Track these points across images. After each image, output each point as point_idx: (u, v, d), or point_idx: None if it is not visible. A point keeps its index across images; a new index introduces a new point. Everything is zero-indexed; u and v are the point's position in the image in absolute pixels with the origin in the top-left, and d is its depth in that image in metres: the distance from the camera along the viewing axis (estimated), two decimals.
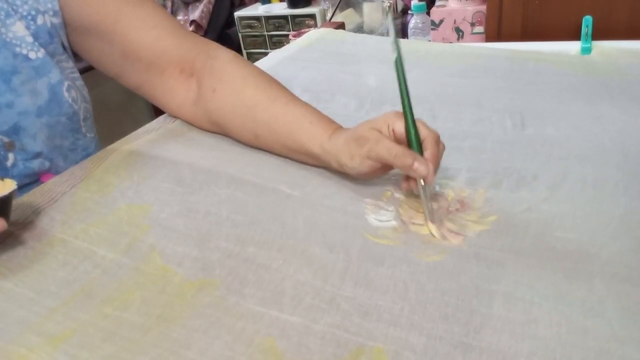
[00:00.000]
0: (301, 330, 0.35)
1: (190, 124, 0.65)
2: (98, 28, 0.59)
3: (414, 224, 0.45)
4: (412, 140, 0.45)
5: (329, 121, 0.53)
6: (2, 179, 0.44)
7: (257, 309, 0.37)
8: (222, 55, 0.61)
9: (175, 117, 0.67)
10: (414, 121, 0.46)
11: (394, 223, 0.45)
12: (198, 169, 0.55)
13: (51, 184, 0.54)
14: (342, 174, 0.51)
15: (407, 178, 0.47)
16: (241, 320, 0.36)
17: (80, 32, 0.61)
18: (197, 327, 0.36)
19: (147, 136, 0.63)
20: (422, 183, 0.45)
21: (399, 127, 0.46)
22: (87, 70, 0.85)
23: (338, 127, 0.52)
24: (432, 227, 0.44)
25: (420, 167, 0.43)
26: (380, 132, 0.46)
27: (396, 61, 0.47)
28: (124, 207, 0.49)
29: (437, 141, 0.46)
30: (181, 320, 0.37)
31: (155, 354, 0.34)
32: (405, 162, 0.44)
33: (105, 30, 0.59)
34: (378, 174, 0.49)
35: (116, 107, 2.04)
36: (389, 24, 0.51)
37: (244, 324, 0.36)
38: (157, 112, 0.68)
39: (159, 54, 0.61)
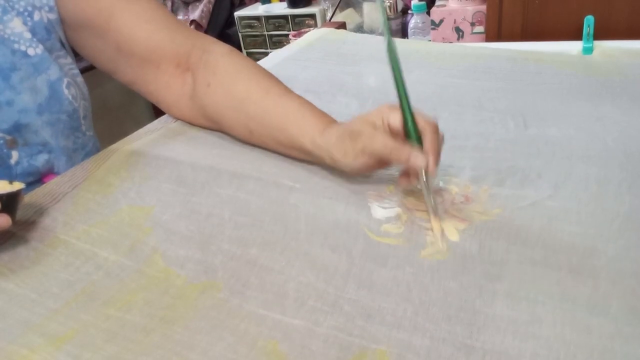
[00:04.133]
0: (304, 333, 0.35)
1: (186, 121, 0.65)
2: (92, 23, 0.59)
3: (418, 210, 0.45)
4: (411, 131, 0.43)
5: (323, 115, 0.51)
6: (11, 182, 0.44)
7: (259, 311, 0.37)
8: (218, 49, 0.60)
9: (170, 113, 0.66)
10: (412, 112, 0.44)
11: (398, 210, 0.45)
12: (200, 168, 0.55)
13: (53, 184, 0.54)
14: None
15: (405, 173, 0.45)
16: (244, 323, 0.36)
17: (75, 27, 0.61)
18: (200, 329, 0.36)
19: (148, 136, 0.62)
20: (424, 176, 0.43)
21: (394, 119, 0.45)
22: (87, 70, 0.85)
23: (331, 122, 0.51)
24: (435, 222, 0.43)
25: (417, 159, 0.42)
26: (374, 125, 0.45)
27: (388, 49, 0.45)
28: (125, 209, 0.49)
29: (436, 130, 0.44)
30: (184, 322, 0.37)
31: (158, 355, 0.34)
32: (401, 155, 0.42)
33: (99, 26, 0.59)
34: (373, 169, 0.47)
35: (117, 107, 2.04)
36: (380, 13, 0.50)
37: (246, 326, 0.36)
38: (158, 112, 0.68)
39: (152, 48, 0.60)
